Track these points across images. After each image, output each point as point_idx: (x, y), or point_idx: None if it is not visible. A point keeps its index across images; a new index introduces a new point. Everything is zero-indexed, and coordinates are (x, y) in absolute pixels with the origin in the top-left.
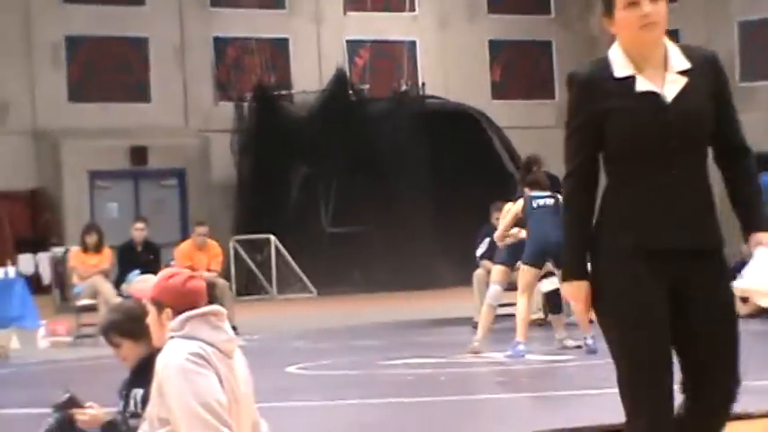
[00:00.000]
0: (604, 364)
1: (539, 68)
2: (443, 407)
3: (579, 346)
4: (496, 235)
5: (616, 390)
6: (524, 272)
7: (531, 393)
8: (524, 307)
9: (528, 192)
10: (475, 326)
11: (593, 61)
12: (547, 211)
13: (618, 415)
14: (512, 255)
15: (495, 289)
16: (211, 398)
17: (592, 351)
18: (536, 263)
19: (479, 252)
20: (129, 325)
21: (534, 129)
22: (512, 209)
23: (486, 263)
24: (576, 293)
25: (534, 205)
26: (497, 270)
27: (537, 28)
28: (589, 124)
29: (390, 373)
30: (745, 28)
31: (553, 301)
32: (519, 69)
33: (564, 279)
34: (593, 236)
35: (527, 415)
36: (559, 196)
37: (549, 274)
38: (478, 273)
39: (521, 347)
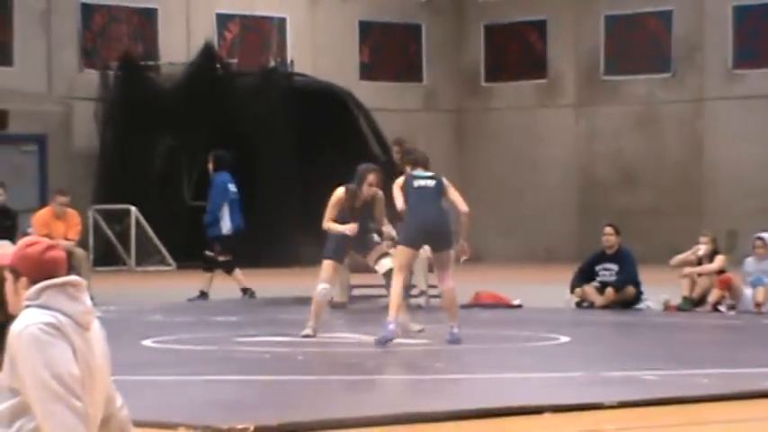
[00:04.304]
0: (453, 349)
1: (407, 51)
2: (300, 386)
3: (422, 330)
4: (398, 207)
5: (469, 375)
6: (401, 252)
7: (387, 376)
8: (397, 288)
9: (409, 171)
10: (334, 305)
11: None
12: (427, 192)
13: (474, 399)
14: (338, 248)
15: (322, 288)
16: (64, 369)
17: (455, 341)
18: (413, 245)
19: None
20: None
21: (401, 111)
22: (395, 184)
23: None
24: None
25: (415, 185)
26: (325, 265)
27: (407, 11)
28: None
29: (247, 350)
30: (612, 22)
31: (388, 283)
32: (388, 51)
33: None
34: None
35: (382, 397)
36: (443, 179)
37: (386, 255)
38: None
39: (392, 327)
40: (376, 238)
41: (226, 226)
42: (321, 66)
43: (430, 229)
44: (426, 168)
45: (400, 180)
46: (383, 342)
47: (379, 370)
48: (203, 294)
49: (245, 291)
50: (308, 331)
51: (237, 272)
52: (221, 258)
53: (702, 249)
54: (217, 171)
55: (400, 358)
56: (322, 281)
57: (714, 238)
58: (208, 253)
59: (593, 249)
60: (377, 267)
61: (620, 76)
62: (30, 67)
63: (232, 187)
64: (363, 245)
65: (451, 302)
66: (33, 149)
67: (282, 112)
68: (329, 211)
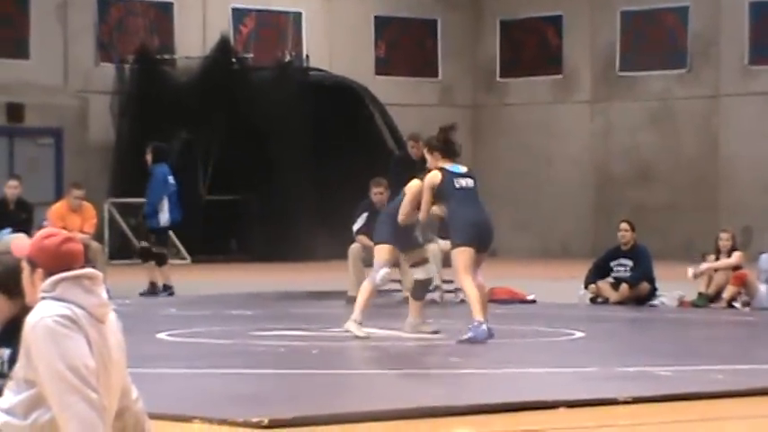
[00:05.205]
0: (466, 345)
1: (423, 47)
2: (314, 380)
3: (436, 331)
4: (421, 216)
5: (483, 370)
6: (464, 253)
7: (401, 370)
8: (472, 288)
9: (441, 163)
10: (349, 300)
11: None
12: (470, 193)
13: (488, 394)
14: (396, 235)
15: (385, 272)
16: (79, 361)
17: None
18: (473, 244)
19: (356, 227)
20: (5, 279)
21: (416, 106)
22: (426, 184)
23: (361, 238)
24: None
25: (456, 186)
26: (384, 249)
27: (423, 6)
28: None
29: (262, 344)
30: (628, 18)
31: (420, 289)
32: (404, 47)
33: None
34: None
35: (396, 391)
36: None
37: (424, 262)
38: (354, 247)
39: (485, 327)
40: (420, 238)
41: (164, 218)
42: (337, 60)
43: (485, 231)
44: (456, 160)
45: (435, 177)
46: (477, 342)
47: (394, 364)
48: (167, 288)
49: (153, 285)
50: (357, 331)
51: (166, 267)
52: (155, 250)
53: (691, 271)
54: (155, 163)
55: (415, 353)
56: (381, 264)
57: (734, 234)
58: (143, 244)
59: (608, 245)
60: (412, 272)
61: (636, 71)
62: (46, 60)
63: (171, 179)
64: (407, 240)
65: (486, 297)
66: (49, 143)
67: (298, 107)
68: (413, 200)
